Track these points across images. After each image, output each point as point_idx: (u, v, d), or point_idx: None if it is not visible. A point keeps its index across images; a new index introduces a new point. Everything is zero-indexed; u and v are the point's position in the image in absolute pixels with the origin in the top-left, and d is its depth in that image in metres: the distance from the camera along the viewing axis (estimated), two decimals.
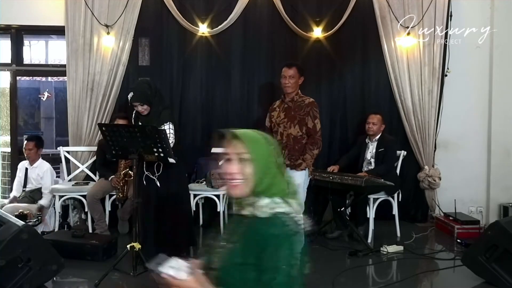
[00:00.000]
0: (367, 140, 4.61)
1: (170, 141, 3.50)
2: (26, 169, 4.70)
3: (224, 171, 1.33)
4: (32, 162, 4.69)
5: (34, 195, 4.64)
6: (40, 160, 4.74)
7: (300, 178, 3.55)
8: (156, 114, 3.65)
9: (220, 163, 1.39)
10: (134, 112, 3.79)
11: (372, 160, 4.51)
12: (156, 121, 3.57)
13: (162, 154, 3.40)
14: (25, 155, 4.70)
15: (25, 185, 4.67)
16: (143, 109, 3.66)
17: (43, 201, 4.59)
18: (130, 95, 3.64)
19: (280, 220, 1.30)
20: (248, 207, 1.34)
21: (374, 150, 4.52)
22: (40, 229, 4.37)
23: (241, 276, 1.28)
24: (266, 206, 1.31)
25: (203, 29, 4.87)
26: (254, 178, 1.31)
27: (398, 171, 4.74)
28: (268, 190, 1.32)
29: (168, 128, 3.60)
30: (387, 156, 4.46)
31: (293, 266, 1.26)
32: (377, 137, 4.55)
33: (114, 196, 4.57)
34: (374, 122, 4.53)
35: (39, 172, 4.68)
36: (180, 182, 3.94)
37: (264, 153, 1.34)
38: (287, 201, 1.34)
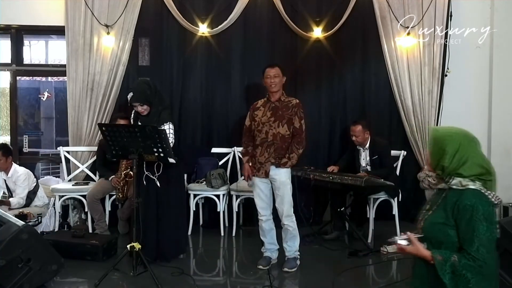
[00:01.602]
0: (358, 147, 4.55)
1: (170, 141, 3.50)
2: (4, 180, 4.50)
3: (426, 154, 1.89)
4: (6, 172, 4.46)
5: (30, 195, 4.57)
6: (13, 167, 4.48)
7: (285, 176, 3.58)
8: (156, 114, 3.66)
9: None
10: (133, 112, 3.80)
11: (368, 167, 4.47)
12: (156, 121, 3.58)
13: (162, 154, 3.41)
14: None
15: (12, 196, 4.47)
16: (142, 109, 3.66)
17: (12, 199, 4.37)
18: (129, 96, 3.65)
19: (472, 193, 1.75)
20: (443, 183, 1.84)
21: (368, 158, 4.46)
22: (40, 229, 4.37)
23: (442, 233, 1.77)
24: (458, 183, 1.79)
25: (203, 29, 4.87)
26: (431, 162, 1.85)
27: (398, 171, 4.74)
28: (457, 171, 1.78)
29: (168, 128, 3.61)
30: (384, 162, 4.40)
31: (488, 230, 1.71)
32: (367, 144, 4.48)
33: (114, 196, 4.57)
34: (356, 135, 4.41)
35: (15, 181, 4.46)
36: (179, 184, 3.95)
37: (439, 147, 1.81)
38: (474, 181, 1.78)
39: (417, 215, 1.95)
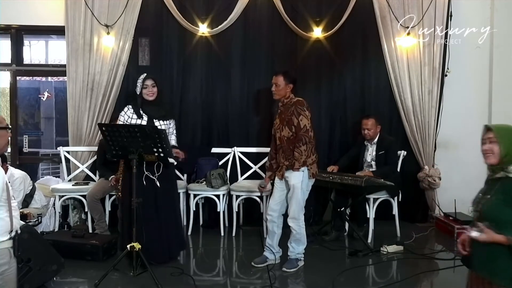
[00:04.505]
0: (366, 142, 4.57)
1: (174, 138, 3.88)
2: None
3: (484, 149, 2.07)
4: None
5: (26, 199, 4.55)
6: (9, 171, 4.35)
7: (296, 179, 3.54)
8: (165, 108, 3.88)
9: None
10: (130, 106, 3.79)
11: (373, 162, 4.49)
12: (165, 113, 3.79)
13: (162, 154, 3.41)
14: None
15: None
16: (152, 91, 3.74)
17: None
18: (143, 75, 3.77)
19: None
20: (500, 171, 2.01)
21: (374, 153, 4.49)
22: (40, 229, 4.36)
23: (503, 213, 1.96)
24: None
25: (203, 29, 4.87)
26: (500, 153, 2.00)
27: (398, 171, 4.73)
28: None
29: (174, 125, 3.93)
30: (388, 158, 4.43)
31: None
32: (376, 139, 4.52)
33: (114, 196, 4.57)
34: (368, 128, 4.47)
35: (11, 184, 4.25)
36: (174, 182, 3.97)
37: (510, 138, 2.01)
38: None
39: (474, 202, 2.16)
